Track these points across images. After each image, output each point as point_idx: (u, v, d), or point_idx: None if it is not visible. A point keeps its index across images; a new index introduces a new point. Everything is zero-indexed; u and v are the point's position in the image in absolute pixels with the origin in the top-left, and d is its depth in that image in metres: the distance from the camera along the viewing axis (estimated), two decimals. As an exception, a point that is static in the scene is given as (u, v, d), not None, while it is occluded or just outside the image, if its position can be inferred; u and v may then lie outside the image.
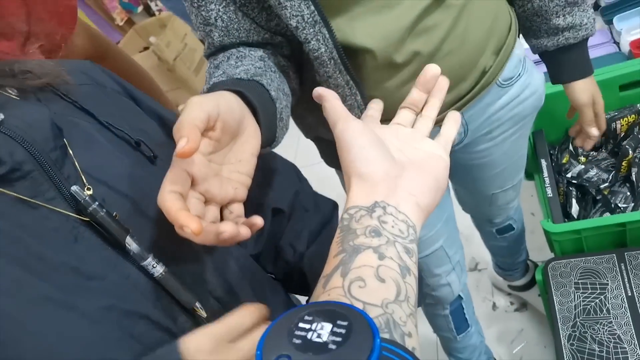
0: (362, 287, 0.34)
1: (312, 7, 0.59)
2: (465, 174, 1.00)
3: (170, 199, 0.40)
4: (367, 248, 0.37)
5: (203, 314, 0.46)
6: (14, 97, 0.43)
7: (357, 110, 0.70)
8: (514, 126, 0.88)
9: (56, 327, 0.38)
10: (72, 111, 0.47)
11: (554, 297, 0.98)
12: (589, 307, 0.94)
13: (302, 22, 0.60)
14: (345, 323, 0.28)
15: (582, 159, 1.23)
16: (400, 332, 0.33)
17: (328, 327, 0.28)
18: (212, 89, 0.52)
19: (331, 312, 0.30)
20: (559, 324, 0.95)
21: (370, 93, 0.70)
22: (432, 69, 0.49)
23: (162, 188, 0.40)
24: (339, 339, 0.28)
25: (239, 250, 0.58)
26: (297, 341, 0.28)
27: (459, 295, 1.13)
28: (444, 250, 0.99)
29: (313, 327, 0.29)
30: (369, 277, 0.35)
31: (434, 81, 0.49)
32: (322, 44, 0.62)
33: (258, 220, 0.46)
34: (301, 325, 0.29)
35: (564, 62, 0.88)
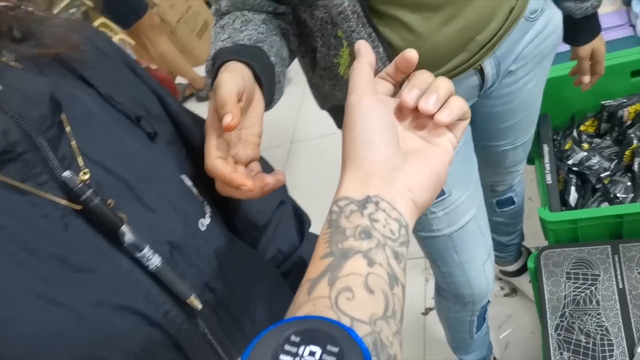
0: (350, 300, 0.32)
1: None
2: (482, 124, 0.96)
3: (220, 163, 0.46)
4: (356, 253, 0.34)
5: (198, 305, 0.43)
6: (13, 64, 0.39)
7: (380, 63, 0.69)
8: (536, 67, 0.89)
9: (42, 324, 0.35)
10: (72, 81, 0.43)
11: (545, 286, 0.96)
12: (579, 297, 0.92)
13: None
14: (335, 350, 0.26)
15: (585, 145, 1.20)
16: (386, 356, 0.30)
17: (317, 352, 0.26)
18: (218, 54, 0.59)
19: (320, 333, 0.27)
20: (548, 313, 0.93)
21: (396, 44, 0.71)
22: (410, 53, 0.43)
23: (209, 155, 0.46)
24: None
25: (237, 242, 0.55)
26: None
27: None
28: (477, 223, 0.94)
29: (300, 351, 0.26)
30: (358, 287, 0.32)
31: (409, 65, 0.43)
32: None
33: (279, 176, 0.51)
34: (287, 348, 0.26)
35: (585, 28, 0.95)
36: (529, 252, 1.49)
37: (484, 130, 0.98)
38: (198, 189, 0.50)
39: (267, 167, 0.64)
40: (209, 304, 0.45)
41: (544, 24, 0.84)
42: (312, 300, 0.32)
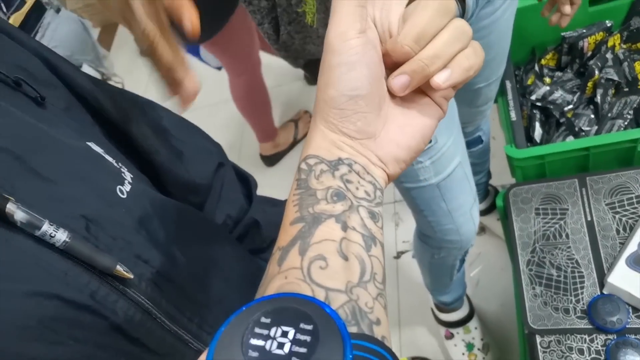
0: (324, 269, 0.29)
1: None
2: None
3: None
4: (328, 217, 0.31)
5: (129, 276, 0.38)
6: None
7: None
8: None
9: None
10: None
11: (514, 223, 0.96)
12: (548, 232, 0.93)
13: None
14: (309, 327, 0.24)
15: (547, 79, 1.18)
16: (367, 322, 0.29)
17: (290, 332, 0.24)
18: None
19: (291, 311, 0.25)
20: (518, 249, 0.94)
21: None
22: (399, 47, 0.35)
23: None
24: (303, 349, 0.23)
25: (176, 206, 0.50)
26: (254, 354, 0.23)
27: None
28: (463, 169, 0.92)
29: (272, 333, 0.24)
30: (331, 254, 0.30)
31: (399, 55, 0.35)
32: None
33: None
34: (257, 330, 0.24)
35: None
36: (497, 191, 1.51)
37: None
38: (112, 155, 0.44)
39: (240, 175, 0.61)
40: (145, 277, 0.41)
41: None
42: (283, 272, 0.30)
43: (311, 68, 0.83)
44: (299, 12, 0.69)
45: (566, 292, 0.86)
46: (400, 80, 0.34)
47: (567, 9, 0.97)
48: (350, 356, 0.23)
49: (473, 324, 1.37)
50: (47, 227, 0.34)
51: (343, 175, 0.33)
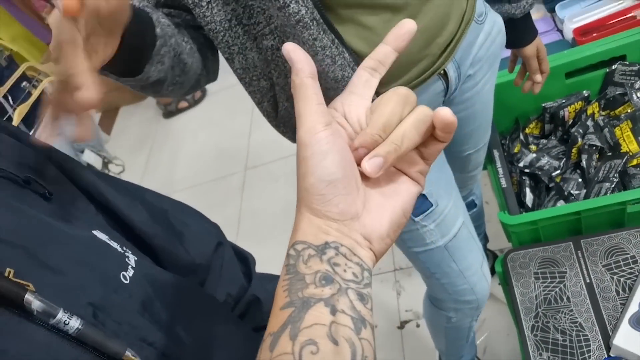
0: (315, 353, 0.30)
1: None
2: None
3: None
4: (317, 301, 0.32)
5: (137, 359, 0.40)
6: None
7: (349, 69, 0.68)
8: (489, 69, 0.93)
9: None
10: None
11: (515, 289, 0.98)
12: (549, 296, 0.95)
13: None
14: None
15: (533, 147, 1.24)
16: None
17: None
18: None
19: None
20: (522, 315, 0.94)
21: (359, 49, 0.70)
22: (408, 24, 0.39)
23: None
24: None
25: (181, 285, 0.52)
26: None
27: None
28: (467, 228, 0.94)
29: None
30: (321, 338, 0.31)
31: (407, 38, 0.39)
32: (301, 5, 0.61)
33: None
34: None
35: (527, 26, 1.00)
36: (495, 255, 1.52)
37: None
38: (117, 241, 0.47)
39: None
40: (151, 359, 0.42)
41: (490, 26, 0.88)
42: (275, 358, 0.30)
43: None
44: None
45: (573, 356, 0.86)
46: (375, 162, 0.36)
47: (538, 77, 1.07)
48: None
49: None
50: (61, 315, 0.36)
51: (330, 258, 0.34)
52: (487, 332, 1.48)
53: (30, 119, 1.75)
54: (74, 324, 0.37)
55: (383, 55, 0.40)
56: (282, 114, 0.79)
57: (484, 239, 1.45)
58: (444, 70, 0.81)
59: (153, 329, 0.44)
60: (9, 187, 0.41)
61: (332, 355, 0.30)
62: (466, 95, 0.92)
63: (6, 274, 0.35)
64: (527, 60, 1.05)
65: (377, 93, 0.40)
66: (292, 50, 0.36)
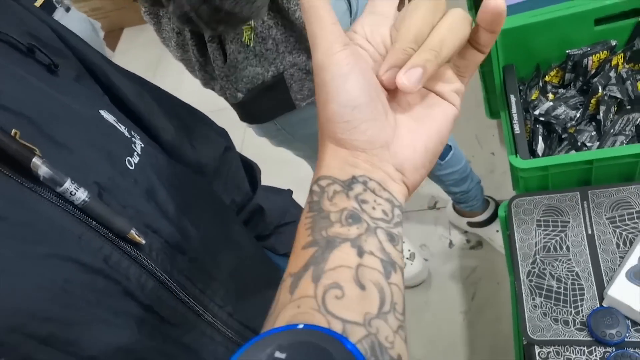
0: (340, 298, 0.27)
1: None
2: None
3: None
4: (343, 241, 0.29)
5: (141, 241, 0.38)
6: None
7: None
8: None
9: None
10: None
11: (516, 234, 0.97)
12: (549, 244, 0.94)
13: None
14: None
15: (551, 95, 1.20)
16: (388, 358, 0.27)
17: None
18: None
19: (308, 346, 0.22)
20: (519, 260, 0.94)
21: None
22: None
23: None
24: None
25: (187, 178, 0.50)
26: None
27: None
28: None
29: None
30: (347, 282, 0.28)
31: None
32: None
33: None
34: None
35: None
36: (497, 203, 1.52)
37: None
38: (124, 124, 0.44)
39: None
40: (155, 246, 0.41)
41: None
42: (295, 301, 0.28)
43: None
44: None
45: (566, 303, 0.86)
46: (413, 73, 0.31)
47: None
48: None
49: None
50: (68, 185, 0.34)
51: (358, 195, 0.31)
52: (478, 280, 1.49)
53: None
54: (81, 195, 0.35)
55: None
56: (219, 73, 0.75)
57: (476, 183, 1.44)
58: None
59: (158, 216, 0.42)
60: (12, 55, 0.38)
61: (358, 300, 0.28)
62: None
63: (13, 134, 0.33)
64: None
65: None
66: None
